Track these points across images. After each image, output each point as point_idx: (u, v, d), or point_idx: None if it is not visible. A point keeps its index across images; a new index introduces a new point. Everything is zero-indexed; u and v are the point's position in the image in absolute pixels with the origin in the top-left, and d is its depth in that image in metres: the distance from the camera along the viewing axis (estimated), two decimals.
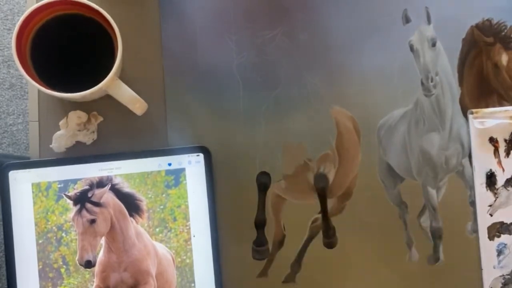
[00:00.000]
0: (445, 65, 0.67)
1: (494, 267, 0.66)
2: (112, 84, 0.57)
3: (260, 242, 0.65)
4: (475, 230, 0.66)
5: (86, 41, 0.61)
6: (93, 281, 0.62)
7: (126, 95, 0.58)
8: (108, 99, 0.62)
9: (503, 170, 0.67)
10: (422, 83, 0.67)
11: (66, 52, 0.61)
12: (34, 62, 0.60)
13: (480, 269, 0.66)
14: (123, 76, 0.65)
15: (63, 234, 0.62)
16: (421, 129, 0.67)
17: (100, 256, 0.62)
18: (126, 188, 0.63)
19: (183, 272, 0.63)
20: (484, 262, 0.66)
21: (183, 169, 0.64)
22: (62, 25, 0.60)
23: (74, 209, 0.62)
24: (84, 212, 0.61)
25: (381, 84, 0.67)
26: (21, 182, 0.62)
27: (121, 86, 0.57)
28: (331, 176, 0.66)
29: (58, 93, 0.56)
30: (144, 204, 0.63)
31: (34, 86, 0.56)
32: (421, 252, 0.66)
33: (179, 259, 0.63)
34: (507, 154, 0.67)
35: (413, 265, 0.66)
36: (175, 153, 0.63)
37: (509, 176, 0.67)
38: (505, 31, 0.68)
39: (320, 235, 0.65)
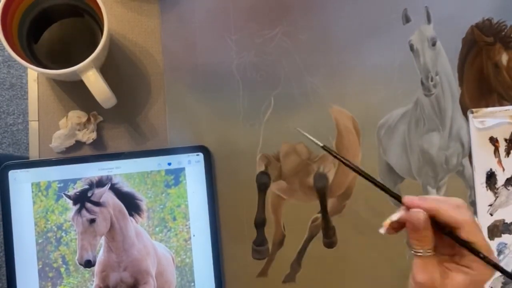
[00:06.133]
0: (445, 64, 0.67)
1: None
2: (86, 71, 0.56)
3: (260, 242, 0.65)
4: None
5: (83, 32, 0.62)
6: (93, 281, 0.62)
7: (97, 85, 0.57)
8: None
9: (503, 169, 0.67)
10: (422, 83, 0.67)
11: (65, 41, 0.62)
12: (33, 49, 0.61)
13: None
14: (123, 76, 0.65)
15: (63, 234, 0.62)
16: (421, 129, 0.67)
17: (100, 255, 0.62)
18: (126, 187, 0.63)
19: (183, 272, 0.63)
20: None
21: (182, 169, 0.64)
22: (62, 14, 0.61)
23: (73, 208, 0.62)
24: (83, 211, 0.61)
25: (381, 84, 0.67)
26: (21, 182, 0.62)
27: (95, 76, 0.57)
28: (331, 176, 0.66)
29: (34, 66, 0.56)
30: (143, 203, 0.63)
31: (13, 56, 0.55)
32: None
33: (179, 259, 0.63)
34: (507, 154, 0.67)
35: None
36: (175, 153, 0.63)
37: (509, 176, 0.67)
38: (505, 30, 0.68)
39: (320, 234, 0.65)
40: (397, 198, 0.46)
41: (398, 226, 0.46)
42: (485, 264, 0.43)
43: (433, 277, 0.44)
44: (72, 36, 0.63)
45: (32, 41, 0.61)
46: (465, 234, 0.44)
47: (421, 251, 0.45)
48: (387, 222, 0.46)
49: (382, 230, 0.46)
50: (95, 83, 0.57)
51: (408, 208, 0.46)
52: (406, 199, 0.46)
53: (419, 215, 0.44)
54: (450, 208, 0.44)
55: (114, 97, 0.59)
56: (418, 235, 0.45)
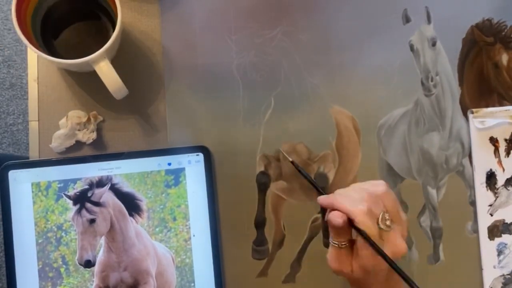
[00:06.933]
0: (445, 64, 0.67)
1: (494, 267, 0.66)
2: (99, 61, 0.57)
3: (260, 242, 0.65)
4: (475, 230, 0.66)
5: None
6: (93, 281, 0.62)
7: (110, 76, 0.58)
8: (107, 100, 0.62)
9: (503, 169, 0.67)
10: (422, 83, 0.67)
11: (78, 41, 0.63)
12: (45, 38, 0.62)
13: (480, 269, 0.66)
14: (123, 76, 0.65)
15: (63, 234, 0.62)
16: (421, 129, 0.67)
17: (100, 255, 0.62)
18: (126, 187, 0.63)
19: (183, 272, 0.63)
20: (484, 262, 0.66)
21: (183, 169, 0.64)
22: (73, 6, 0.63)
23: (73, 208, 0.62)
24: (83, 211, 0.61)
25: (381, 84, 0.67)
26: (21, 182, 0.62)
27: (108, 66, 0.57)
28: (331, 176, 0.66)
29: (47, 55, 0.56)
30: (143, 203, 0.63)
31: (24, 41, 0.56)
32: (421, 252, 0.66)
33: (179, 259, 0.63)
34: (507, 154, 0.67)
35: (413, 265, 0.66)
36: (175, 153, 0.63)
37: (509, 176, 0.67)
38: (505, 31, 0.68)
39: (320, 234, 0.65)
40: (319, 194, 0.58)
41: None
42: (369, 252, 0.50)
43: (344, 265, 0.52)
44: (85, 37, 0.64)
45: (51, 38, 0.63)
46: (357, 223, 0.50)
47: (336, 242, 0.52)
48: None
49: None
50: (108, 73, 0.57)
51: (320, 205, 0.56)
52: (318, 198, 0.56)
53: (337, 221, 0.51)
54: (345, 201, 0.52)
55: (125, 88, 0.59)
56: (336, 232, 0.52)
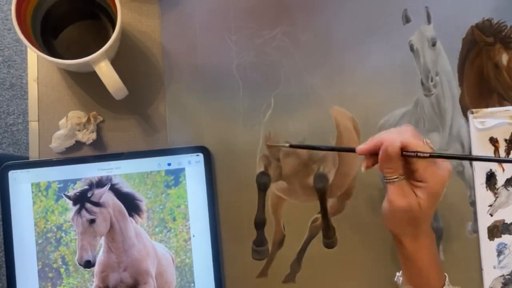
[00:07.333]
0: (445, 65, 0.67)
1: (494, 267, 0.66)
2: (98, 61, 0.57)
3: (260, 242, 0.65)
4: (475, 230, 0.66)
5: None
6: (93, 281, 0.62)
7: (110, 76, 0.58)
8: (107, 100, 0.62)
9: (503, 170, 0.67)
10: (422, 83, 0.67)
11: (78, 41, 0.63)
12: (45, 37, 0.62)
13: (480, 269, 0.66)
14: (123, 76, 0.65)
15: (63, 234, 0.62)
16: (421, 129, 0.67)
17: (100, 256, 0.62)
18: (126, 188, 0.63)
19: (183, 272, 0.63)
20: (484, 262, 0.66)
21: (182, 169, 0.64)
22: (73, 7, 0.63)
23: (73, 209, 0.62)
24: (83, 212, 0.61)
25: (381, 84, 0.67)
26: (21, 182, 0.62)
27: (107, 67, 0.57)
28: (331, 176, 0.66)
29: (47, 56, 0.57)
30: (143, 204, 0.63)
31: (24, 41, 0.56)
32: None
33: (179, 259, 0.63)
34: (507, 154, 0.67)
35: None
36: (175, 153, 0.63)
37: (509, 176, 0.67)
38: (505, 31, 0.68)
39: (320, 235, 0.65)
40: (352, 151, 0.56)
41: (372, 163, 0.55)
42: (435, 173, 0.51)
43: (410, 198, 0.52)
44: (85, 37, 0.64)
45: (50, 38, 0.63)
46: (412, 145, 0.51)
47: (395, 177, 0.52)
48: (363, 165, 0.56)
49: (362, 168, 0.56)
50: (108, 73, 0.57)
51: (361, 154, 0.55)
52: (358, 148, 0.55)
53: (395, 146, 0.51)
54: (391, 135, 0.53)
55: (125, 88, 0.59)
56: (391, 164, 0.52)
